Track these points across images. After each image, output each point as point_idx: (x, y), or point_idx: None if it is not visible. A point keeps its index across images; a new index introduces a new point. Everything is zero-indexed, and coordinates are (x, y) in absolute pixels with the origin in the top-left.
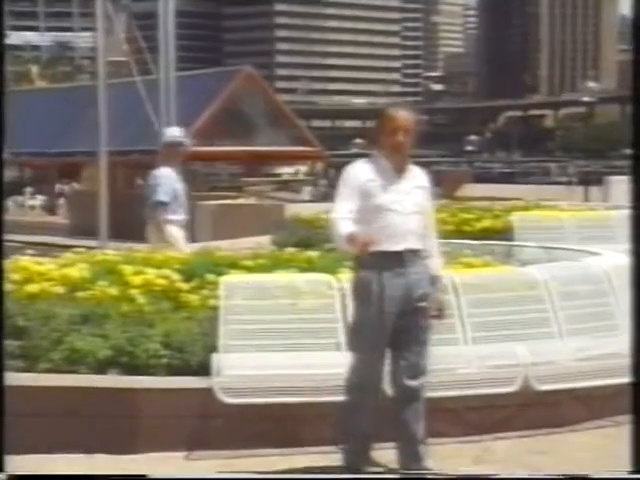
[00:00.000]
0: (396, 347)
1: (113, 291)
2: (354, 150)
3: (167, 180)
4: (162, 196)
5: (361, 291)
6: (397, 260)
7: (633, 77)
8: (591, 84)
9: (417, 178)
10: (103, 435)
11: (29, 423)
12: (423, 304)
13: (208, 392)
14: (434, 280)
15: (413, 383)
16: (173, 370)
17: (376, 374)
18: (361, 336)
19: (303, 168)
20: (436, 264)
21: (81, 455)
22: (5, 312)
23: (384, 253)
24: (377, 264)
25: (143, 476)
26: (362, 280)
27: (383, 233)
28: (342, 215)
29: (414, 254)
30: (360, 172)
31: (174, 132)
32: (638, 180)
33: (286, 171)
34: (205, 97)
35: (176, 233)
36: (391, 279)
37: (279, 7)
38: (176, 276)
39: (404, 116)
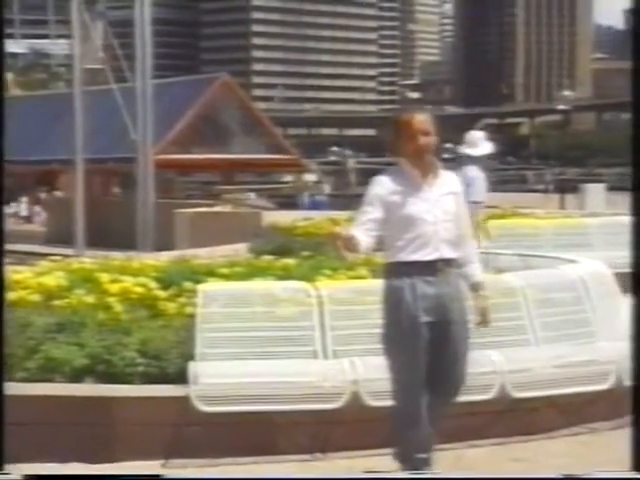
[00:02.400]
0: (434, 358)
1: (90, 299)
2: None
3: (479, 181)
4: (478, 197)
5: (393, 301)
6: (429, 270)
7: (633, 84)
8: (566, 92)
9: (448, 184)
10: (79, 444)
11: (5, 432)
12: (460, 314)
13: (185, 400)
14: (475, 287)
15: (447, 398)
16: (150, 378)
17: (416, 383)
18: (396, 347)
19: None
20: (475, 270)
21: (56, 465)
22: None
23: (416, 263)
24: (409, 274)
25: (157, 476)
26: (394, 289)
27: (414, 243)
28: (357, 226)
29: (447, 264)
30: (384, 183)
31: (478, 135)
32: (638, 188)
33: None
34: (182, 105)
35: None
36: (423, 289)
37: (256, 15)
38: (153, 284)
39: (420, 119)
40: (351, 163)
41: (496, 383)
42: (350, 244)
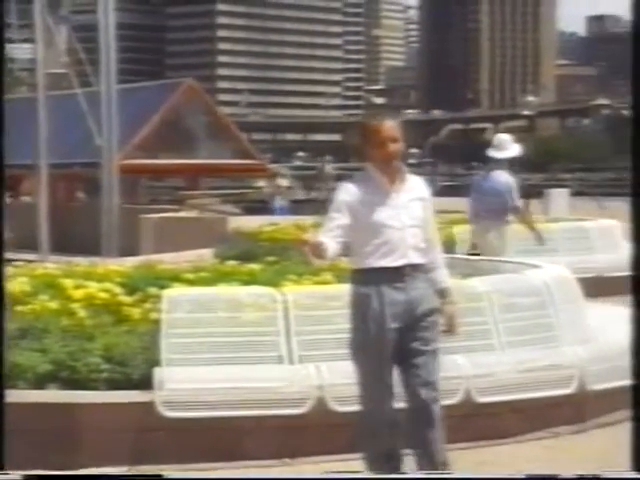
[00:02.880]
0: (405, 364)
1: (53, 305)
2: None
3: (511, 186)
4: (510, 201)
5: (360, 307)
6: (397, 276)
7: (632, 85)
8: (530, 98)
9: (415, 189)
10: (42, 451)
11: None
12: (429, 319)
13: (149, 406)
14: (442, 293)
15: (425, 399)
16: (114, 384)
17: (386, 391)
18: (363, 353)
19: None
20: (442, 276)
21: (18, 472)
22: None
23: (383, 269)
24: (376, 280)
25: (159, 476)
26: (361, 296)
27: (381, 250)
28: (325, 232)
29: (415, 269)
30: (351, 189)
31: (505, 138)
32: (637, 193)
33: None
34: (147, 110)
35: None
36: (391, 295)
37: (221, 20)
38: (118, 289)
39: (389, 125)
40: (329, 169)
41: (461, 388)
42: (318, 250)
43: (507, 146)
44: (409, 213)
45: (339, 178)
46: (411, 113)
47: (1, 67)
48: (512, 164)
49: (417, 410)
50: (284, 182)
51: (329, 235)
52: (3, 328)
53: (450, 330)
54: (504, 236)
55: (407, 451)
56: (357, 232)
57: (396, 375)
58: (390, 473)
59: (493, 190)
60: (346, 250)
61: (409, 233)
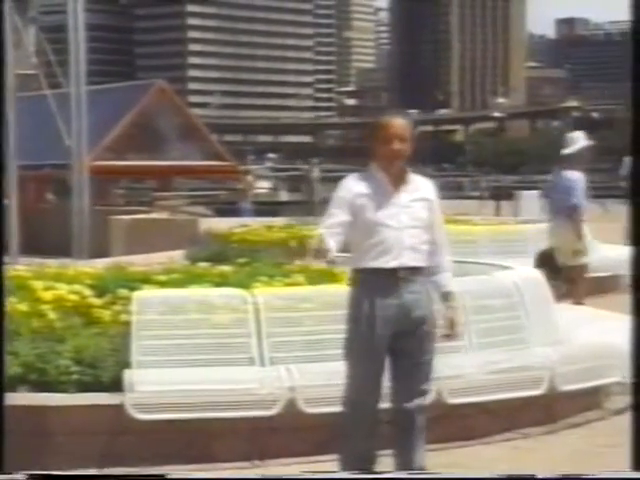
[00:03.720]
0: (396, 370)
1: (23, 307)
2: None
3: (581, 184)
4: (581, 199)
5: (353, 310)
6: (391, 278)
7: (632, 88)
8: (501, 100)
9: (419, 190)
10: (12, 453)
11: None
12: (423, 327)
13: (120, 408)
14: (444, 297)
15: (410, 407)
16: (84, 386)
17: (372, 395)
18: (354, 357)
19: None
20: (446, 280)
21: (20, 472)
22: None
23: (377, 270)
24: (370, 282)
25: (162, 476)
26: (355, 297)
27: (376, 250)
28: (326, 230)
29: (411, 272)
30: (352, 186)
31: (580, 137)
32: (636, 194)
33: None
34: (117, 111)
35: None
36: (383, 298)
37: (192, 21)
38: (88, 291)
39: (399, 123)
40: (316, 171)
41: (432, 389)
42: (323, 254)
43: (576, 141)
44: (410, 214)
45: (326, 180)
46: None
47: (2, 67)
48: (579, 161)
49: (402, 417)
50: (265, 184)
51: (328, 232)
52: (3, 328)
53: (451, 335)
54: (580, 235)
55: (384, 453)
56: (355, 230)
57: (386, 379)
58: (364, 473)
59: (562, 189)
60: (345, 247)
61: (407, 234)
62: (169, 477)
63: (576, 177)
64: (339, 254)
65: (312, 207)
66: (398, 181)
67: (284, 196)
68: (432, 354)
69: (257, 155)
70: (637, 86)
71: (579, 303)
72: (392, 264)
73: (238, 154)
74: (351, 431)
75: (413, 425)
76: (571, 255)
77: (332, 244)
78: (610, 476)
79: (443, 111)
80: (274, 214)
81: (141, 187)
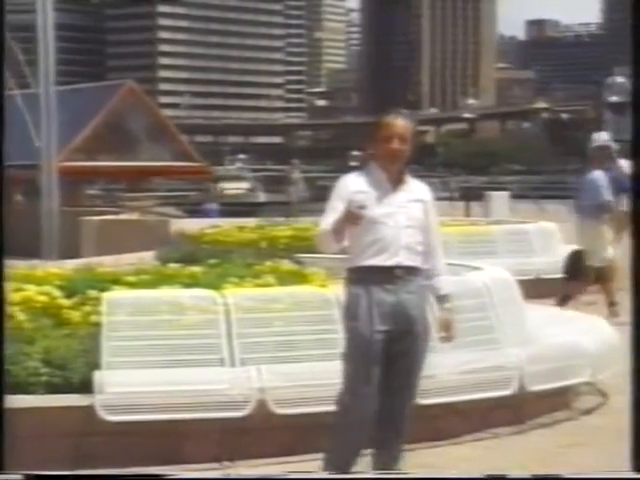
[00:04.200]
0: (388, 366)
1: None
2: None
3: (604, 182)
4: (608, 196)
5: (349, 305)
6: (387, 276)
7: (633, 90)
8: (471, 101)
9: (416, 191)
10: None
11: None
12: (417, 326)
13: (90, 410)
14: (440, 300)
15: (400, 404)
16: (54, 388)
17: (367, 390)
18: (351, 353)
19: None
20: (442, 283)
21: (19, 472)
22: None
23: (373, 268)
24: (366, 279)
25: (158, 476)
26: (351, 295)
27: (373, 248)
28: (326, 224)
29: (407, 271)
30: (351, 183)
31: (603, 136)
32: (637, 192)
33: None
34: (86, 112)
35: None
36: (379, 295)
37: (162, 22)
38: (57, 292)
39: (400, 123)
40: (297, 173)
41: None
42: (330, 245)
43: (601, 140)
44: (406, 213)
45: (270, 181)
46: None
47: (1, 66)
48: (601, 160)
49: (389, 414)
50: (245, 185)
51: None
52: (3, 329)
53: (446, 338)
54: (601, 234)
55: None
56: (353, 228)
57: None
58: (348, 472)
59: (588, 187)
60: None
61: (404, 233)
62: (166, 477)
63: (597, 176)
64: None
65: (293, 207)
66: (396, 181)
67: (262, 197)
68: (425, 354)
69: (228, 156)
70: (637, 87)
71: (613, 303)
72: (389, 262)
73: (208, 155)
74: (346, 428)
75: (400, 423)
76: (601, 255)
77: (337, 236)
78: (610, 476)
79: (414, 112)
80: (252, 215)
81: (111, 188)
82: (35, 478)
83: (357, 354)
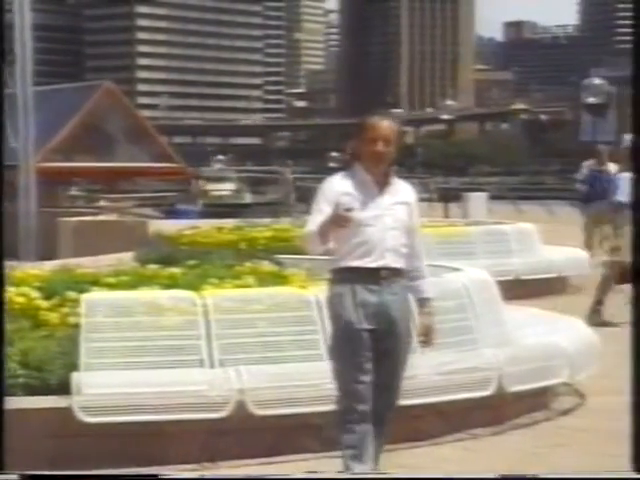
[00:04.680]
0: (373, 365)
1: None
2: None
3: (628, 182)
4: (624, 197)
5: (334, 305)
6: (372, 277)
7: (633, 92)
8: (450, 102)
9: (401, 193)
10: None
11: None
12: (399, 327)
13: (68, 411)
14: (421, 303)
15: (384, 403)
16: (31, 390)
17: (359, 388)
18: (338, 351)
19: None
20: (424, 286)
21: (16, 472)
22: None
23: (359, 269)
24: (351, 280)
25: (155, 476)
26: (336, 295)
27: (359, 249)
28: (313, 225)
29: (392, 273)
30: (337, 185)
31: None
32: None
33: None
34: (64, 112)
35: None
36: (364, 295)
37: (141, 23)
38: (35, 294)
39: (385, 125)
40: (288, 173)
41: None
42: (317, 247)
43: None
44: (392, 215)
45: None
46: (332, 116)
47: (1, 66)
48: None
49: (372, 413)
50: (231, 186)
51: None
52: (3, 330)
53: (426, 342)
54: (620, 233)
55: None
56: (339, 230)
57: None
58: (362, 470)
59: (623, 186)
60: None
61: (389, 235)
62: (161, 477)
63: (626, 176)
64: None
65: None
66: (382, 182)
67: (248, 198)
68: (408, 355)
69: (208, 157)
70: (637, 89)
71: (600, 302)
72: (375, 264)
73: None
74: (348, 427)
75: (383, 421)
76: (609, 250)
77: (322, 238)
78: (610, 476)
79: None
80: (238, 216)
81: (93, 189)
82: (30, 478)
83: (344, 353)
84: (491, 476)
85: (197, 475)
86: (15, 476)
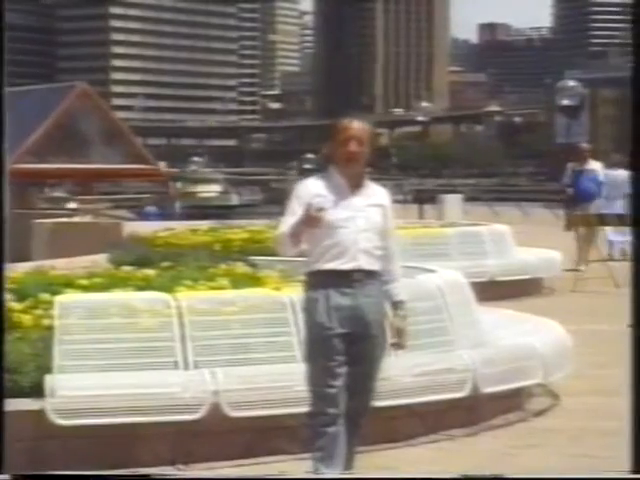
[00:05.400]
0: (348, 368)
1: None
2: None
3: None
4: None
5: (308, 309)
6: (345, 280)
7: (632, 92)
8: (424, 104)
9: (375, 196)
10: None
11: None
12: (373, 330)
13: (41, 414)
14: (395, 306)
15: (357, 405)
16: (4, 392)
17: (331, 391)
18: (311, 354)
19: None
20: (398, 289)
21: (11, 473)
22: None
23: (332, 272)
24: (325, 283)
25: (146, 476)
26: (309, 298)
27: (331, 252)
28: (285, 228)
29: (365, 275)
30: (310, 187)
31: None
32: (637, 195)
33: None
34: (38, 113)
35: None
36: (337, 298)
37: (115, 24)
38: (8, 296)
39: (357, 126)
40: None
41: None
42: (288, 248)
43: None
44: (365, 217)
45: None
46: (307, 118)
47: (1, 66)
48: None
49: (346, 416)
50: (217, 187)
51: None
52: (3, 330)
53: (399, 345)
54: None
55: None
56: (311, 232)
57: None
58: (331, 472)
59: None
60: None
61: (362, 237)
62: (153, 477)
63: (617, 172)
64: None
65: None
66: (355, 184)
67: (235, 199)
68: (382, 357)
69: (181, 159)
70: (637, 89)
71: None
72: (348, 266)
73: (163, 157)
74: (319, 430)
75: (357, 424)
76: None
77: (295, 239)
78: (608, 476)
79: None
80: (226, 217)
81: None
82: (22, 478)
83: (317, 356)
84: (454, 476)
85: (242, 474)
86: (7, 476)
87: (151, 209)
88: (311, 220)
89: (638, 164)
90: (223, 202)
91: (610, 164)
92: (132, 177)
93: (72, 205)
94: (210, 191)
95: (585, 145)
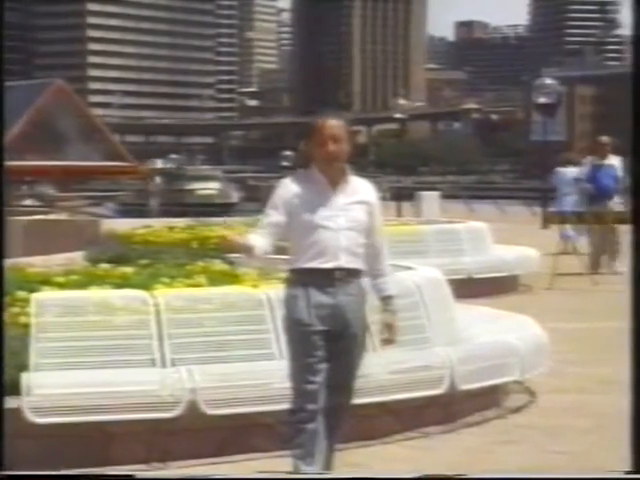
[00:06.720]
0: (328, 366)
1: None
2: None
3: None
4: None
5: (288, 306)
6: (326, 279)
7: (633, 92)
8: (402, 101)
9: (359, 192)
10: None
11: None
12: (353, 329)
13: (17, 412)
14: (384, 301)
15: (336, 403)
16: (4, 392)
17: (312, 389)
18: (291, 352)
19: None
20: (386, 284)
21: (8, 472)
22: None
23: (313, 270)
24: (306, 281)
25: (130, 476)
26: (290, 297)
27: (312, 250)
28: (259, 229)
29: (347, 273)
30: (290, 187)
31: None
32: (637, 194)
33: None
34: (14, 110)
35: None
36: (318, 297)
37: (93, 20)
38: None
39: (333, 124)
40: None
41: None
42: (244, 249)
43: None
44: (347, 216)
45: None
46: (284, 115)
47: (1, 66)
48: None
49: (326, 412)
50: (215, 185)
51: (261, 232)
52: (3, 330)
53: (388, 341)
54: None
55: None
56: (292, 231)
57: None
58: (310, 470)
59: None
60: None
61: (344, 236)
62: (137, 477)
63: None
64: (269, 255)
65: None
66: (336, 182)
67: (234, 197)
68: (362, 357)
69: (159, 156)
70: (637, 89)
71: None
72: (328, 265)
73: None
74: (298, 427)
75: (336, 422)
76: None
77: (260, 242)
78: (607, 476)
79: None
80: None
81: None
82: (7, 478)
83: (298, 354)
84: (413, 476)
85: (240, 473)
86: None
87: (110, 205)
88: (244, 251)
89: (638, 164)
90: (223, 200)
91: (562, 162)
92: (109, 174)
93: (61, 203)
94: (210, 188)
95: (605, 138)
